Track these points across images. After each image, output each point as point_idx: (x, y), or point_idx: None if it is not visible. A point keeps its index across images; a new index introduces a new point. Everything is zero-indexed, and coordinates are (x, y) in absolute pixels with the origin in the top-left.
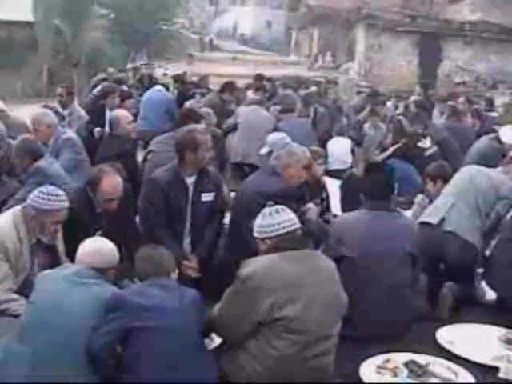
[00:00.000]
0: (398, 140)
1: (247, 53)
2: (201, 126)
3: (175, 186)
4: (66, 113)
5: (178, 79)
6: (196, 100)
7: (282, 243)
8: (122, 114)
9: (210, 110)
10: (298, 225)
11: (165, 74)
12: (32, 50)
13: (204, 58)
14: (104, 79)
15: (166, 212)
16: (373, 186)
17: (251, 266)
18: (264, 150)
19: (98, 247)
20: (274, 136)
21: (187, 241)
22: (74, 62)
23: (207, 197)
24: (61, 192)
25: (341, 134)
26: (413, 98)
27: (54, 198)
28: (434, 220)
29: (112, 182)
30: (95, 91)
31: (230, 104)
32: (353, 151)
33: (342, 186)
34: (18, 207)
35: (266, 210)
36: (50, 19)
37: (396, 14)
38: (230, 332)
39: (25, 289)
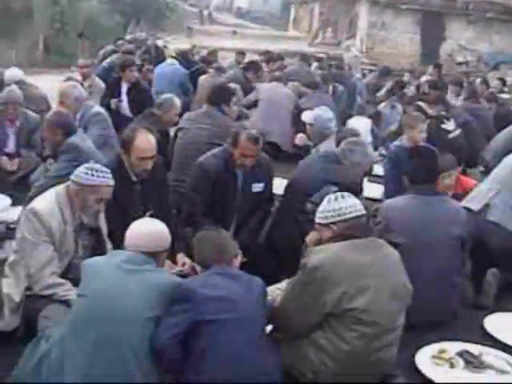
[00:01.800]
0: None
1: (244, 26)
2: (255, 133)
3: (225, 176)
4: (85, 85)
5: (181, 55)
6: (210, 75)
7: (348, 230)
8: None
9: (237, 86)
10: (364, 211)
11: (165, 47)
12: (27, 19)
13: (204, 31)
14: (113, 51)
15: (211, 201)
16: (418, 170)
17: (318, 255)
18: (307, 119)
19: (149, 229)
20: (319, 112)
21: (231, 229)
22: (79, 32)
23: (257, 188)
24: (106, 169)
25: (361, 113)
26: (425, 77)
27: (99, 173)
28: (476, 207)
29: (146, 138)
30: (105, 62)
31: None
32: (372, 131)
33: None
34: (62, 186)
35: (331, 195)
36: None
37: None
38: (295, 323)
39: (69, 273)
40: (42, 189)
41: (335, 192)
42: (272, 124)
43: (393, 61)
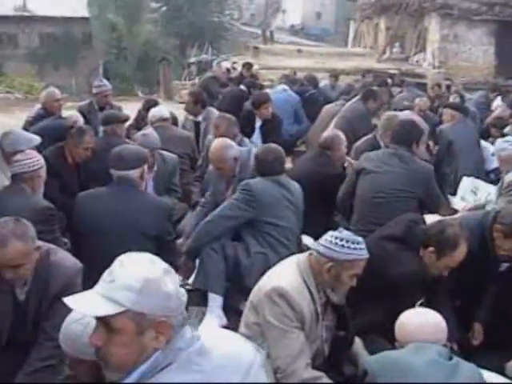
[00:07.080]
0: None
1: (300, 44)
2: None
3: None
4: (200, 119)
5: (289, 79)
6: (336, 103)
7: None
8: None
9: None
10: None
11: (234, 68)
12: (87, 46)
13: (269, 50)
14: (212, 77)
15: None
16: None
17: None
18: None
19: (433, 320)
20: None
21: None
22: (160, 57)
23: None
24: (358, 238)
25: (483, 136)
26: None
27: (356, 245)
28: None
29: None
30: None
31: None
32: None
33: None
34: (303, 257)
35: None
36: (105, 14)
37: (472, 2)
38: None
39: (315, 361)
40: None
41: None
42: None
43: (466, 74)
